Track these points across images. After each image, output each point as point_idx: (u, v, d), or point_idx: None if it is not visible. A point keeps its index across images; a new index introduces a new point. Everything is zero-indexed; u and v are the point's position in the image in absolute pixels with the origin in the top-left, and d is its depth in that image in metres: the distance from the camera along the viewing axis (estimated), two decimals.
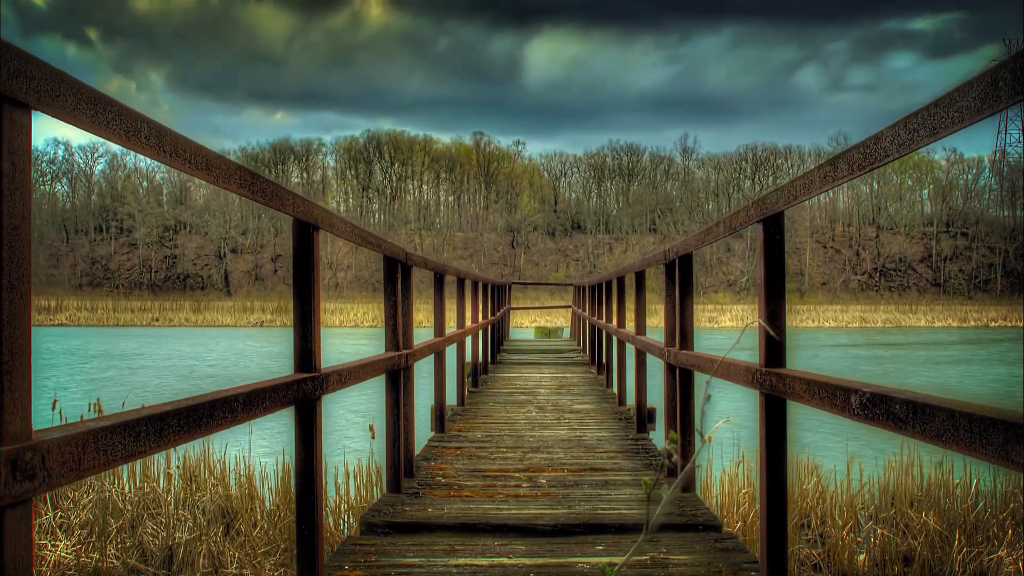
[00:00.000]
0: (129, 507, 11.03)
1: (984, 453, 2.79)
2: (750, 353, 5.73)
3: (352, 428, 20.67)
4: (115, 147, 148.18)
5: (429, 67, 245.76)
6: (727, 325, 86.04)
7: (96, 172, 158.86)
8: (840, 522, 10.78)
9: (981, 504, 11.18)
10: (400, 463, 8.55)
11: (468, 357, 17.94)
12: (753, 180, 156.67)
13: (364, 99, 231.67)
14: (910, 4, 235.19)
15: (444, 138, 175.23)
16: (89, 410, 14.06)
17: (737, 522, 11.05)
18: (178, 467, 12.40)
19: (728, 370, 6.18)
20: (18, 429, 2.40)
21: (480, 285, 19.59)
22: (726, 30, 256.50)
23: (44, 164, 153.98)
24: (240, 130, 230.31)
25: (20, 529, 2.40)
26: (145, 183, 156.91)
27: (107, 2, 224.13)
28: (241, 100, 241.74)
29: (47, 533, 10.07)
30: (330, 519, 11.13)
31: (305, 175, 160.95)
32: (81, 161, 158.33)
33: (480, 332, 19.03)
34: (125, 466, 12.11)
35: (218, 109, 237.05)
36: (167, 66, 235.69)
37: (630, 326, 13.56)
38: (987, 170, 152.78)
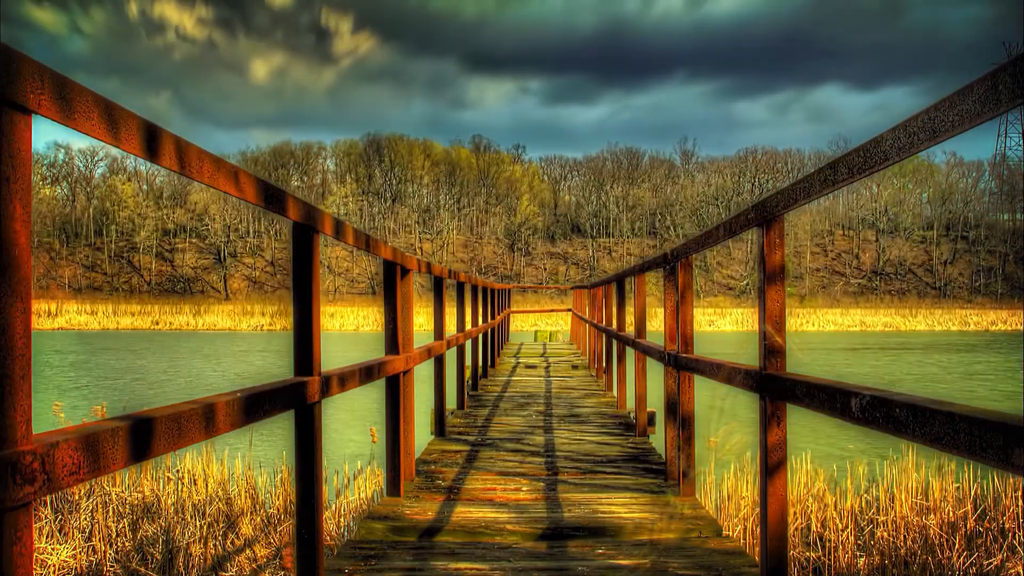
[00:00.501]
0: (129, 511, 11.04)
1: (984, 456, 2.79)
2: (750, 357, 5.73)
3: (352, 431, 20.67)
4: (115, 150, 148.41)
5: (410, 96, 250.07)
6: (727, 328, 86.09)
7: (96, 175, 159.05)
8: (840, 526, 10.78)
9: (981, 508, 11.18)
10: (400, 466, 8.55)
11: (468, 361, 17.94)
12: (753, 184, 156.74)
13: (355, 121, 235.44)
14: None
15: (443, 142, 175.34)
16: (91, 414, 14.07)
17: (737, 526, 11.05)
18: (178, 471, 12.40)
19: (728, 373, 6.18)
20: (18, 433, 2.40)
21: (480, 289, 19.58)
22: (677, 75, 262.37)
23: (44, 167, 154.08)
24: (236, 144, 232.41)
25: (21, 533, 2.40)
26: (145, 186, 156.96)
27: (123, 41, 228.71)
28: (235, 125, 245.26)
29: (48, 537, 10.08)
30: (330, 523, 11.14)
31: (305, 179, 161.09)
32: (81, 164, 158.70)
33: (480, 336, 19.02)
34: (125, 470, 12.11)
35: (215, 131, 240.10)
36: (166, 93, 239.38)
37: (630, 329, 13.57)
38: (987, 173, 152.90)
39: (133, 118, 3.09)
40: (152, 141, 3.25)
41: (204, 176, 3.74)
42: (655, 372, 10.84)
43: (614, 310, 15.16)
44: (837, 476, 12.22)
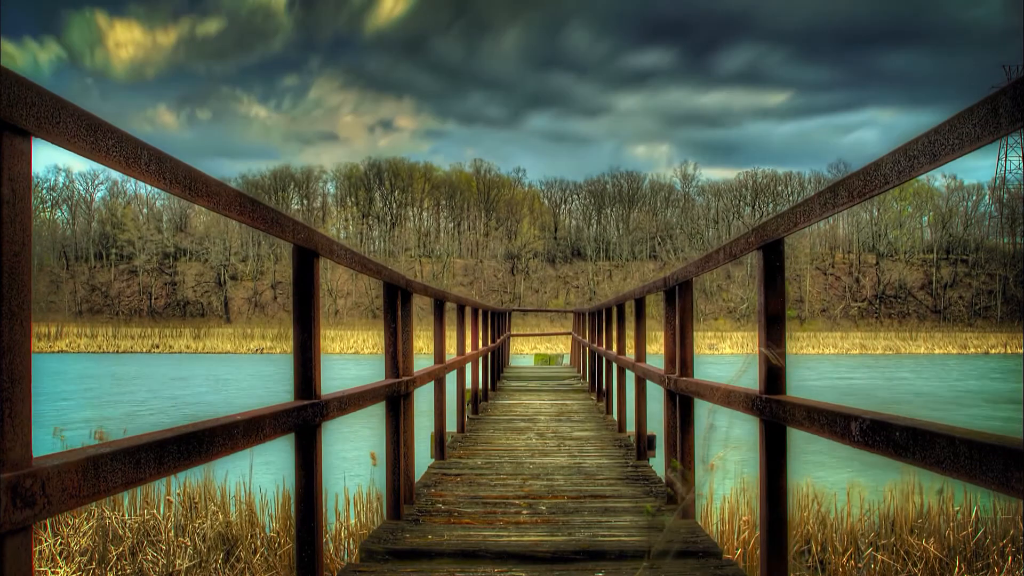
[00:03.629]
0: (129, 534, 11.02)
1: (984, 480, 2.79)
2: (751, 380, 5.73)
3: (353, 454, 20.65)
4: (115, 174, 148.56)
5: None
6: (727, 352, 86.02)
7: (96, 199, 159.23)
8: (840, 549, 10.77)
9: (981, 531, 11.17)
10: (400, 490, 8.54)
11: (468, 384, 17.92)
12: (753, 207, 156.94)
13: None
14: None
15: (444, 165, 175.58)
16: (91, 438, 14.06)
17: (737, 548, 11.03)
18: (178, 494, 12.39)
19: (728, 397, 6.18)
20: (18, 456, 2.40)
21: (480, 312, 19.58)
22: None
23: (44, 191, 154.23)
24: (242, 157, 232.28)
25: (20, 556, 2.40)
26: (145, 210, 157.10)
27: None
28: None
29: (47, 560, 10.06)
30: (330, 546, 11.12)
31: (305, 202, 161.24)
32: (81, 188, 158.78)
33: (480, 359, 19.01)
34: (125, 493, 12.10)
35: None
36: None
37: (630, 353, 13.55)
38: (987, 197, 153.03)
39: (133, 141, 3.10)
40: (152, 164, 3.26)
41: (205, 199, 3.74)
42: (655, 395, 10.83)
43: (614, 333, 15.16)
44: (838, 499, 12.20)
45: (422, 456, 11.25)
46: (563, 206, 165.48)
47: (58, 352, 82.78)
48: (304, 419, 5.10)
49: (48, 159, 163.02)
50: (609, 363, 17.31)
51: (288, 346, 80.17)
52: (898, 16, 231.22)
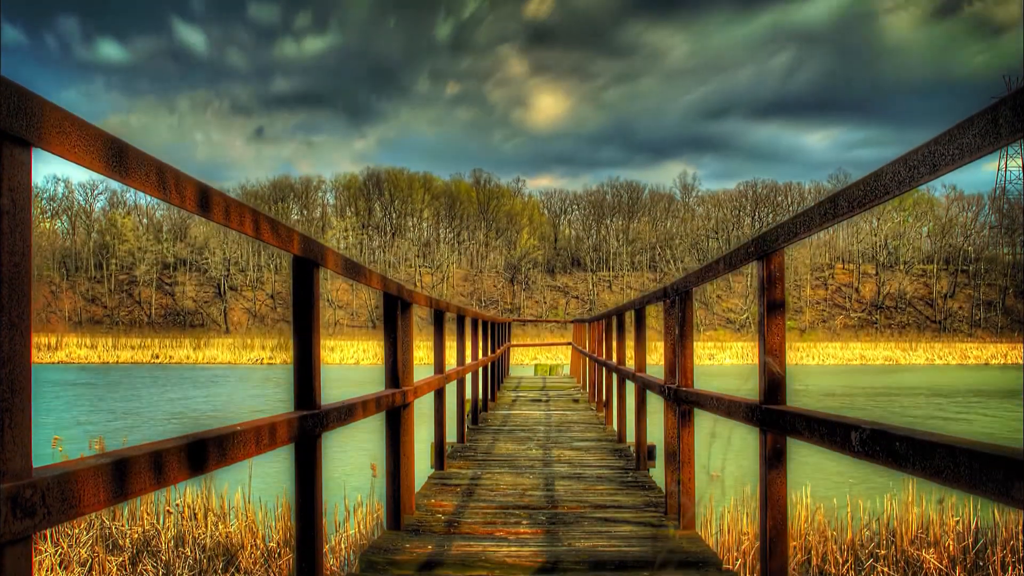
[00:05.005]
0: (129, 544, 11.01)
1: (985, 490, 2.78)
2: (751, 390, 5.72)
3: (353, 465, 20.63)
4: (115, 184, 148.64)
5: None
6: (727, 362, 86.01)
7: (96, 209, 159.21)
8: (840, 560, 10.75)
9: (981, 541, 11.15)
10: (400, 500, 8.53)
11: (468, 394, 17.90)
12: (753, 217, 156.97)
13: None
14: None
15: (444, 175, 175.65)
16: (90, 448, 14.04)
17: (737, 559, 11.02)
18: (178, 504, 12.37)
19: (728, 407, 6.17)
20: (18, 466, 2.39)
21: (480, 322, 19.55)
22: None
23: (44, 201, 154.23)
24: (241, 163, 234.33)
25: (20, 566, 2.39)
26: (145, 220, 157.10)
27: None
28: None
29: (47, 570, 10.05)
30: (330, 557, 11.10)
31: (305, 212, 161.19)
32: (81, 198, 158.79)
33: (480, 369, 18.99)
34: (125, 503, 12.09)
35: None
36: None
37: (630, 363, 13.55)
38: (987, 207, 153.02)
39: (133, 152, 3.10)
40: (152, 175, 3.25)
41: (204, 210, 3.74)
42: (655, 405, 10.82)
43: (614, 344, 15.14)
44: (837, 510, 12.19)
45: (422, 466, 11.24)
46: (563, 216, 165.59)
47: (57, 363, 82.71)
48: (304, 429, 5.09)
49: (48, 170, 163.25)
50: (609, 373, 17.30)
51: (288, 356, 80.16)
52: None
